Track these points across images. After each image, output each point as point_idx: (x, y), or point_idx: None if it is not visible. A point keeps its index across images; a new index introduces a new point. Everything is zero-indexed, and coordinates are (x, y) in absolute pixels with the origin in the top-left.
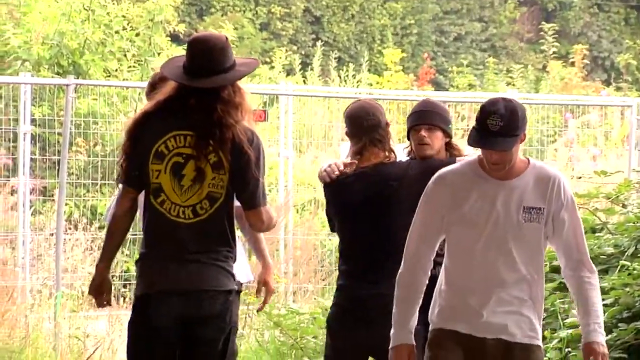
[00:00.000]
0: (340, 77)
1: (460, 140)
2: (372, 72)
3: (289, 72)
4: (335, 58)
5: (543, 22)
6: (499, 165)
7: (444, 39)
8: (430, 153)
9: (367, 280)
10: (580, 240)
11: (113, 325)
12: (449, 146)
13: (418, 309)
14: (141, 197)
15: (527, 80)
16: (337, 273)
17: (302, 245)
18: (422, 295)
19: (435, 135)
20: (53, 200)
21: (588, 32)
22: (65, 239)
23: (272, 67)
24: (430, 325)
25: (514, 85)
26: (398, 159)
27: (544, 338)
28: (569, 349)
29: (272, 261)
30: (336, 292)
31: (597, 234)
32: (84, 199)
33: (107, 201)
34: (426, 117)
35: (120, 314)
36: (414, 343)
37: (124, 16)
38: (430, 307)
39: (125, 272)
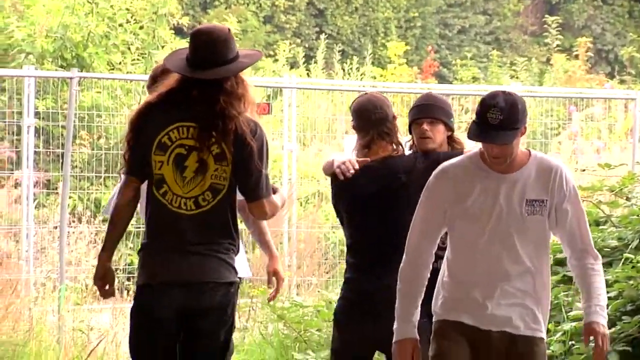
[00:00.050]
0: (344, 70)
1: (463, 134)
2: (375, 65)
3: (293, 65)
4: (339, 51)
5: (547, 15)
6: (500, 158)
7: (447, 32)
8: (432, 147)
9: (374, 274)
10: (584, 230)
11: (117, 318)
12: (450, 139)
13: (420, 302)
14: (144, 188)
15: (530, 73)
16: (341, 266)
17: (306, 238)
18: (424, 289)
19: (437, 128)
20: (57, 193)
21: (592, 25)
22: (69, 232)
23: (276, 60)
24: (433, 317)
25: (517, 78)
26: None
27: (547, 331)
28: (573, 342)
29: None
30: (344, 285)
31: (600, 227)
32: (87, 192)
33: (110, 194)
34: (428, 111)
35: (124, 306)
36: (418, 337)
37: (127, 9)
38: (433, 299)
39: (129, 265)
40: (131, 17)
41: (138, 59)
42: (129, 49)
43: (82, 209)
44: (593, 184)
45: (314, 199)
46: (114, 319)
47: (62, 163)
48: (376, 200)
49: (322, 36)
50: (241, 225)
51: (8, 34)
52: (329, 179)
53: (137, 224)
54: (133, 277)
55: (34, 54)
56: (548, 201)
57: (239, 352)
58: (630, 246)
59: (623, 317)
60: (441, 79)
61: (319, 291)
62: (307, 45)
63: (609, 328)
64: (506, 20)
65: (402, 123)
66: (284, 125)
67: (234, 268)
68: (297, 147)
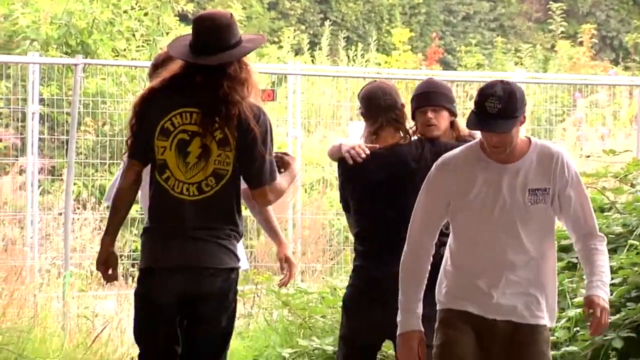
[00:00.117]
0: (348, 56)
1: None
2: (380, 51)
3: (298, 51)
4: (343, 38)
5: (551, 2)
6: (500, 148)
7: (452, 19)
8: (437, 134)
9: (383, 261)
10: (588, 214)
11: (122, 304)
12: (452, 125)
13: (423, 293)
14: (147, 174)
15: (535, 60)
16: (345, 252)
17: (311, 225)
18: (426, 279)
19: (441, 115)
20: (61, 179)
21: (596, 11)
22: (73, 219)
23: (281, 47)
24: (437, 305)
25: (522, 64)
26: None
27: None
28: (577, 328)
29: None
30: (352, 273)
31: (605, 214)
32: (92, 179)
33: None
34: (432, 99)
35: (129, 293)
36: (422, 329)
37: None
38: (437, 287)
39: (133, 252)
40: (136, 4)
41: (143, 46)
42: (133, 35)
43: (86, 196)
44: (597, 171)
45: (319, 186)
46: (118, 305)
47: (66, 150)
48: (385, 188)
49: (327, 23)
50: (245, 212)
51: (13, 20)
52: (334, 165)
53: (141, 211)
54: (137, 263)
55: (38, 41)
56: (551, 189)
57: (244, 338)
58: (634, 233)
59: (627, 304)
60: (446, 65)
61: (323, 278)
62: (311, 32)
63: (614, 314)
64: (510, 7)
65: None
66: (289, 112)
67: (235, 254)
68: (301, 134)
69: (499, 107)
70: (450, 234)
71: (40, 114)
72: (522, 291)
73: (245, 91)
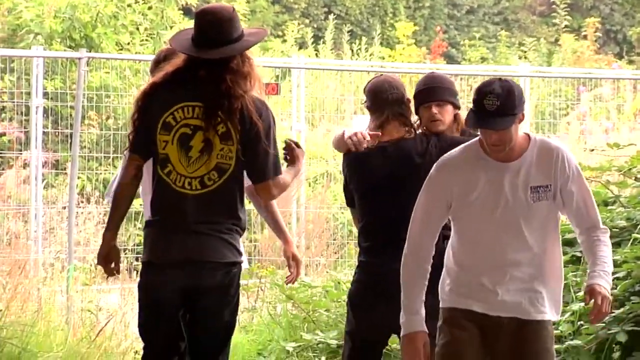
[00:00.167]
0: (352, 50)
1: None
2: (384, 45)
3: (302, 45)
4: (347, 31)
5: None
6: (499, 146)
7: (456, 12)
8: (442, 128)
9: (387, 256)
10: (590, 207)
11: (125, 298)
12: (455, 118)
13: (425, 291)
14: (147, 168)
15: (539, 54)
16: (349, 246)
17: (314, 219)
18: (428, 278)
19: (445, 110)
20: (65, 173)
21: (600, 5)
22: (77, 212)
23: (285, 41)
24: (441, 303)
25: (526, 58)
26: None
27: None
28: (581, 322)
29: None
30: (357, 268)
31: (609, 207)
32: (96, 173)
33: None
34: (436, 94)
35: (133, 286)
36: (426, 330)
37: None
38: (440, 284)
39: (137, 245)
40: None
41: (147, 40)
42: (137, 29)
43: (90, 190)
44: (601, 164)
45: (323, 180)
46: (122, 299)
47: (70, 143)
48: (390, 182)
49: (331, 16)
50: (249, 206)
51: (17, 14)
52: (338, 159)
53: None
54: (141, 257)
55: (42, 35)
56: (552, 185)
57: (248, 332)
58: (639, 226)
59: (632, 297)
60: (450, 59)
61: (327, 271)
62: (315, 26)
63: (618, 308)
64: (515, 1)
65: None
66: (293, 106)
67: (237, 249)
68: (305, 128)
69: (497, 104)
70: (452, 233)
71: (44, 107)
72: (526, 287)
73: (248, 85)
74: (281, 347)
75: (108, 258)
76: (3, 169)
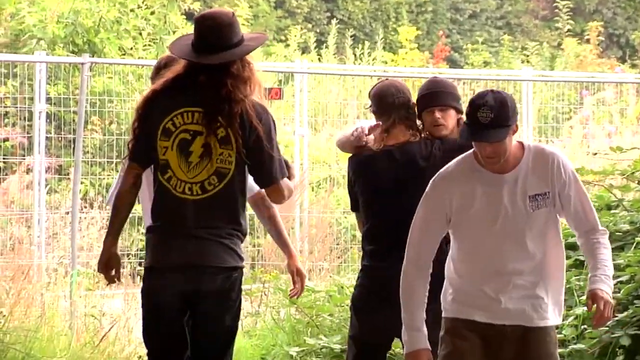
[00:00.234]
0: (355, 55)
1: None
2: (387, 49)
3: (304, 50)
4: (350, 36)
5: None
6: (494, 158)
7: (459, 17)
8: (445, 133)
9: (391, 260)
10: (588, 210)
11: (129, 303)
12: (457, 123)
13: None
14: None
15: (542, 58)
16: (352, 251)
17: (318, 223)
18: (428, 288)
19: (448, 114)
20: (68, 178)
21: (603, 9)
22: (80, 218)
23: (288, 45)
24: (443, 312)
25: (529, 62)
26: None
27: None
28: (585, 326)
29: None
30: (360, 273)
31: (612, 211)
32: (99, 178)
33: (113, 183)
34: (439, 99)
35: (136, 292)
36: (430, 347)
37: None
38: (442, 293)
39: (141, 251)
40: (142, 2)
41: (149, 45)
42: (140, 34)
43: (93, 195)
44: (605, 168)
45: (326, 184)
46: (126, 304)
47: (73, 148)
48: (394, 186)
49: (334, 21)
50: (252, 211)
51: (19, 19)
52: (341, 163)
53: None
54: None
55: (45, 40)
56: (550, 192)
57: (251, 337)
58: None
59: (635, 301)
60: (452, 63)
61: (330, 276)
62: (318, 30)
63: (621, 312)
64: (517, 5)
65: None
66: (296, 110)
67: (237, 253)
68: (308, 132)
69: (491, 116)
70: (452, 244)
71: (47, 112)
72: (528, 294)
73: (248, 89)
74: (285, 351)
75: (108, 265)
76: (6, 174)
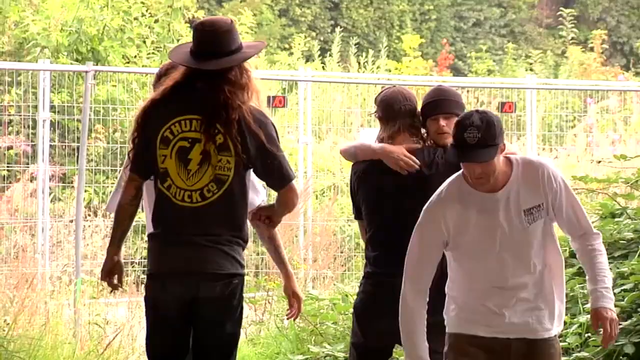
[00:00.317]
0: (359, 63)
1: None
2: (391, 58)
3: (308, 58)
4: (354, 44)
5: (562, 8)
6: (483, 178)
7: (462, 25)
8: (449, 141)
9: (394, 267)
10: (580, 215)
11: (133, 311)
12: None
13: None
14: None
15: (546, 66)
16: (356, 259)
17: (322, 232)
18: (427, 312)
19: (452, 122)
20: (72, 186)
21: (607, 17)
22: (84, 226)
23: (291, 54)
24: (446, 328)
25: (532, 70)
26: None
27: (564, 323)
28: (589, 334)
29: (292, 247)
30: (363, 280)
31: (616, 219)
32: (103, 186)
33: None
34: (443, 106)
35: (140, 300)
36: None
37: (142, 2)
38: (445, 308)
39: (144, 259)
40: (146, 11)
41: (153, 53)
42: (144, 42)
43: (97, 203)
44: (609, 176)
45: (330, 192)
46: (130, 312)
47: (77, 157)
48: (397, 193)
49: (337, 29)
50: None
51: (23, 27)
52: (344, 171)
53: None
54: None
55: (49, 48)
56: (544, 203)
57: (255, 344)
58: None
59: (639, 309)
60: (456, 71)
61: (334, 284)
62: (322, 39)
63: (625, 320)
64: (521, 13)
65: None
66: (299, 119)
67: (237, 260)
68: (312, 140)
69: (478, 136)
70: (451, 262)
71: (50, 121)
72: (531, 306)
73: (246, 96)
74: (288, 359)
75: (111, 272)
76: (10, 182)
